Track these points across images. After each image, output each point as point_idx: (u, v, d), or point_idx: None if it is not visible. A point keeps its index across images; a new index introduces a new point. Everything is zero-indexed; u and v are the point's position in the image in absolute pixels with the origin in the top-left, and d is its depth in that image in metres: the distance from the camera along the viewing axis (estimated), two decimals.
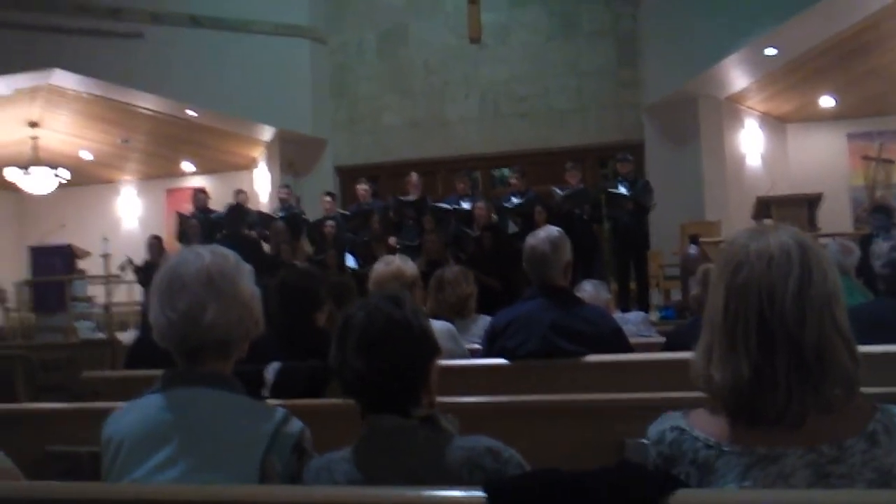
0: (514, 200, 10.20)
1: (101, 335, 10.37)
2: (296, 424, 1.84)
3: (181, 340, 1.84)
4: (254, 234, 10.88)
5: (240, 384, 1.89)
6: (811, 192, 9.94)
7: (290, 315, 3.47)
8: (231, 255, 1.93)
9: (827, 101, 12.26)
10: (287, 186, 11.90)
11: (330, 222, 10.73)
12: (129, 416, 1.86)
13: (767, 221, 9.39)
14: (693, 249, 9.18)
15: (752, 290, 1.44)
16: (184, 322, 1.82)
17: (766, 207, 9.63)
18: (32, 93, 12.42)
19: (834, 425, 1.41)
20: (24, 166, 13.43)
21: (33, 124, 13.32)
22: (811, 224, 9.39)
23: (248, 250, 9.43)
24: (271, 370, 3.32)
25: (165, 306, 1.83)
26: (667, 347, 4.16)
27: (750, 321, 1.43)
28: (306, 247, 11.20)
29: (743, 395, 1.42)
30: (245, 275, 1.92)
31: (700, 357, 1.49)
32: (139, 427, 1.82)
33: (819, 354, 1.41)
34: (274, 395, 3.16)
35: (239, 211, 11.07)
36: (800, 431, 1.41)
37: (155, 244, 10.94)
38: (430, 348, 1.85)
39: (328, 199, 11.26)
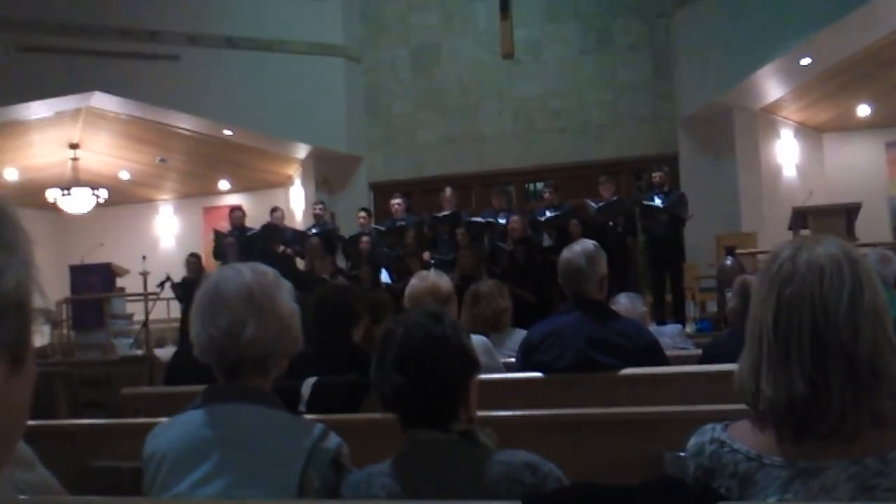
0: (549, 214, 10.19)
1: (139, 352, 10.48)
2: (333, 440, 1.86)
3: (222, 356, 1.87)
4: (288, 250, 10.94)
5: (278, 400, 1.91)
6: (849, 201, 9.81)
7: (327, 331, 3.49)
8: (270, 272, 1.95)
9: (864, 110, 12.13)
10: (321, 203, 11.98)
11: (365, 238, 10.79)
12: (170, 432, 1.89)
13: (805, 232, 9.31)
14: (729, 261, 9.11)
15: (805, 302, 1.42)
16: (224, 338, 1.85)
17: (802, 218, 9.52)
18: (73, 115, 12.64)
19: (878, 438, 1.39)
20: (65, 187, 13.65)
21: (74, 146, 13.54)
22: (850, 234, 9.27)
23: (281, 268, 9.48)
24: (307, 385, 3.34)
25: (207, 323, 1.87)
26: (704, 360, 4.13)
27: (804, 335, 1.41)
28: (339, 262, 11.26)
29: (797, 410, 1.39)
30: (284, 291, 1.94)
31: (746, 371, 1.47)
32: (181, 442, 1.85)
33: (872, 367, 1.39)
34: (310, 410, 3.17)
35: (271, 229, 11.15)
36: (843, 444, 1.39)
37: (194, 262, 11.08)
38: (470, 364, 1.85)
39: (363, 214, 11.33)
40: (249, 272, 1.92)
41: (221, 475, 1.79)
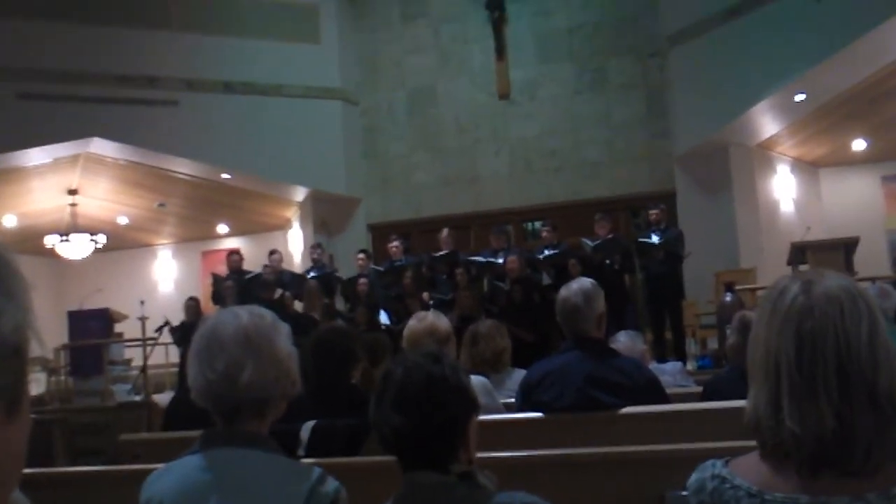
0: (547, 253, 10.21)
1: (137, 398, 10.42)
2: (331, 484, 1.84)
3: (219, 400, 1.86)
4: (286, 294, 10.90)
5: (276, 444, 1.90)
6: (847, 236, 9.82)
7: (324, 373, 3.47)
8: (268, 315, 1.95)
9: (859, 145, 12.20)
10: (319, 245, 11.99)
11: (363, 280, 10.78)
12: (167, 477, 1.87)
13: (804, 267, 9.30)
14: (729, 297, 9.10)
15: (829, 336, 1.40)
16: (222, 382, 1.84)
17: (801, 253, 9.52)
18: (72, 161, 12.69)
19: (889, 473, 1.38)
20: (64, 233, 13.67)
21: (72, 192, 13.58)
22: (848, 268, 9.25)
23: (276, 312, 9.46)
24: (306, 429, 3.32)
25: (204, 366, 1.86)
26: (704, 397, 4.11)
27: (829, 368, 1.39)
28: (338, 304, 11.24)
29: (827, 445, 1.37)
30: (282, 334, 1.94)
31: (763, 407, 1.44)
32: (178, 487, 1.83)
33: (891, 400, 1.38)
34: (309, 454, 3.15)
35: (260, 282, 11.11)
36: (861, 480, 1.37)
37: (192, 306, 11.05)
38: (470, 404, 1.84)
39: (362, 256, 11.34)
40: (247, 315, 1.91)
41: None
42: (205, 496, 1.80)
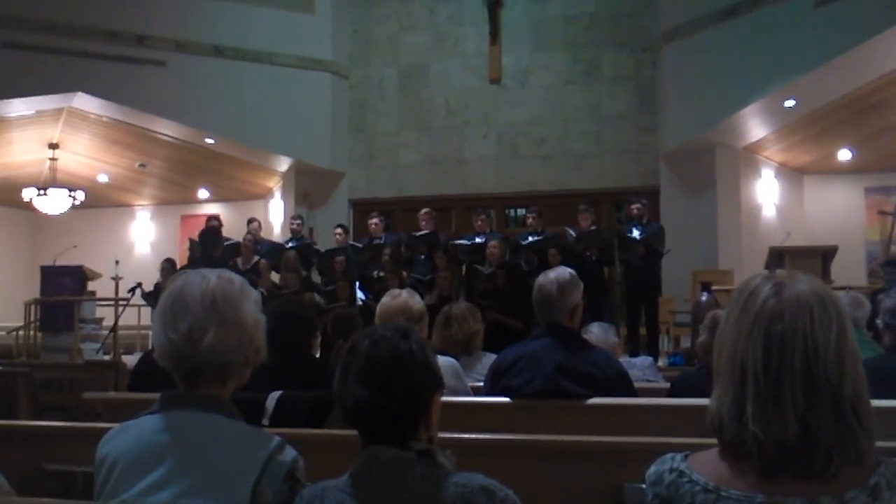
0: (531, 239, 10.18)
1: (106, 357, 10.35)
2: (289, 453, 1.82)
3: (180, 361, 1.84)
4: (263, 261, 10.82)
5: (236, 409, 1.87)
6: (826, 244, 9.88)
7: (285, 343, 3.46)
8: (237, 280, 1.93)
9: (845, 155, 12.25)
10: (300, 217, 11.92)
11: (340, 257, 10.72)
12: (123, 436, 1.85)
13: (780, 271, 9.33)
14: (705, 297, 9.13)
15: (797, 341, 1.39)
16: (184, 343, 1.82)
17: (779, 257, 9.57)
18: (54, 115, 12.55)
19: (847, 477, 1.37)
20: (42, 187, 13.53)
21: (53, 146, 13.44)
22: (825, 276, 9.31)
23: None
24: (272, 399, 3.30)
25: (168, 326, 1.84)
26: (672, 393, 4.11)
27: (796, 374, 1.38)
28: (314, 276, 11.18)
29: (789, 450, 1.37)
30: (250, 301, 1.91)
31: (727, 410, 1.43)
32: (133, 447, 1.81)
33: (853, 408, 1.38)
34: (273, 424, 3.14)
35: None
36: (802, 482, 1.37)
37: (168, 268, 10.94)
38: (434, 382, 1.82)
39: (339, 231, 11.27)
40: (215, 278, 1.89)
41: (173, 482, 1.75)
42: (160, 456, 1.77)
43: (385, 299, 4.06)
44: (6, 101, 11.59)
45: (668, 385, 4.51)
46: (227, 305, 1.85)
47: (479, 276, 9.68)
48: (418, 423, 1.78)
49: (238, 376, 1.91)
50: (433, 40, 13.70)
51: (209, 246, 10.16)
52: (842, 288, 8.85)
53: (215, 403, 1.85)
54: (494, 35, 13.06)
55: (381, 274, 10.07)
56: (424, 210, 10.92)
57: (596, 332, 4.80)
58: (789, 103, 10.62)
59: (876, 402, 1.47)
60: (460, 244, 10.46)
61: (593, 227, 10.13)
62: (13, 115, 12.22)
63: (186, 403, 1.84)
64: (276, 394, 3.31)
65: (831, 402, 1.37)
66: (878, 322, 3.94)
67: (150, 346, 8.71)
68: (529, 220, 10.58)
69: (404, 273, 10.19)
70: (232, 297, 1.87)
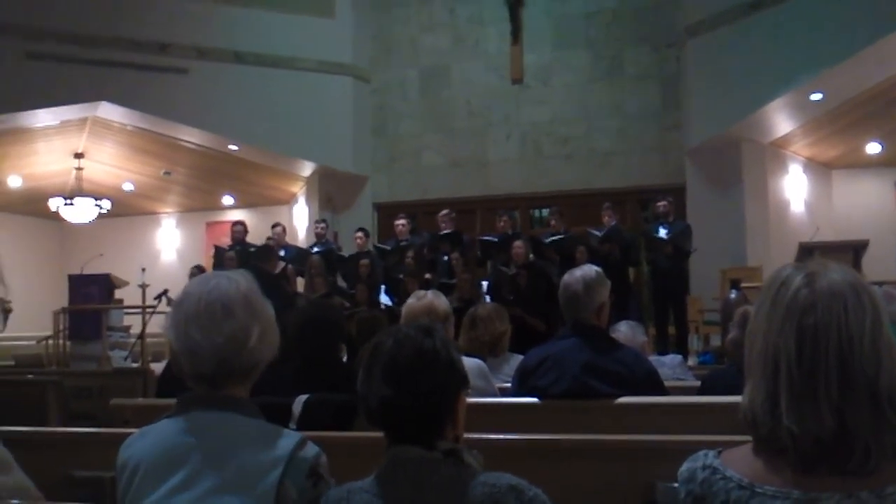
0: (552, 238, 10.12)
1: (134, 364, 10.40)
2: (311, 449, 1.81)
3: (220, 363, 1.82)
4: (289, 267, 10.83)
5: (256, 408, 1.86)
6: (856, 238, 9.75)
7: (313, 347, 3.45)
8: (252, 278, 1.92)
9: (873, 148, 12.10)
10: (324, 221, 11.94)
11: (364, 260, 10.72)
12: (145, 440, 1.84)
13: (811, 261, 9.22)
14: (734, 294, 9.01)
15: (831, 332, 1.35)
16: (229, 346, 1.82)
17: (809, 253, 9.43)
18: (79, 124, 12.65)
19: (886, 472, 1.33)
20: (68, 196, 13.65)
21: (78, 155, 13.55)
22: (857, 271, 9.19)
23: (267, 284, 9.45)
24: (298, 402, 3.29)
25: (208, 329, 1.81)
26: (702, 391, 4.05)
27: (830, 366, 1.34)
28: (339, 281, 11.18)
29: (826, 445, 1.33)
30: (264, 298, 1.93)
31: (760, 404, 1.39)
32: (155, 450, 1.80)
33: (891, 400, 1.34)
34: (301, 428, 3.13)
35: (267, 251, 11.08)
36: (839, 477, 1.33)
37: (197, 274, 10.97)
38: (459, 380, 1.80)
39: (360, 235, 11.27)
40: (243, 279, 1.91)
41: (196, 484, 1.74)
42: (182, 458, 1.76)
43: (410, 300, 4.03)
44: (31, 112, 11.70)
45: (698, 383, 4.45)
46: (260, 305, 1.88)
47: (503, 277, 9.63)
48: (444, 422, 1.76)
49: (259, 373, 1.91)
50: (454, 41, 13.69)
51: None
52: (875, 283, 8.72)
53: (235, 403, 1.84)
54: (516, 34, 13.02)
55: (403, 276, 10.05)
56: (444, 211, 10.89)
57: (624, 331, 4.75)
58: (816, 97, 10.49)
59: None
60: (487, 240, 10.44)
61: (613, 223, 10.05)
62: (39, 125, 12.33)
63: (206, 404, 1.83)
64: (303, 397, 3.30)
65: (868, 395, 1.33)
66: None
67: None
68: (552, 222, 10.53)
69: (427, 275, 10.17)
70: (260, 296, 1.90)
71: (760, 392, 1.40)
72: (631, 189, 12.79)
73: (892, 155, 12.23)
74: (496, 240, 10.33)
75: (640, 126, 12.84)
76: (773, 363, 1.38)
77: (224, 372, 1.83)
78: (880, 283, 8.25)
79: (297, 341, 3.58)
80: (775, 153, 12.23)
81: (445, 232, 10.61)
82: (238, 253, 10.95)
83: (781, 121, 11.34)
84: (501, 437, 2.78)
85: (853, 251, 9.26)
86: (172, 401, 3.16)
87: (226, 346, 1.81)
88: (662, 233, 9.82)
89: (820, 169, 12.90)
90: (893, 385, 1.34)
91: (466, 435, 1.85)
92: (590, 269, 3.75)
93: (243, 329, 1.82)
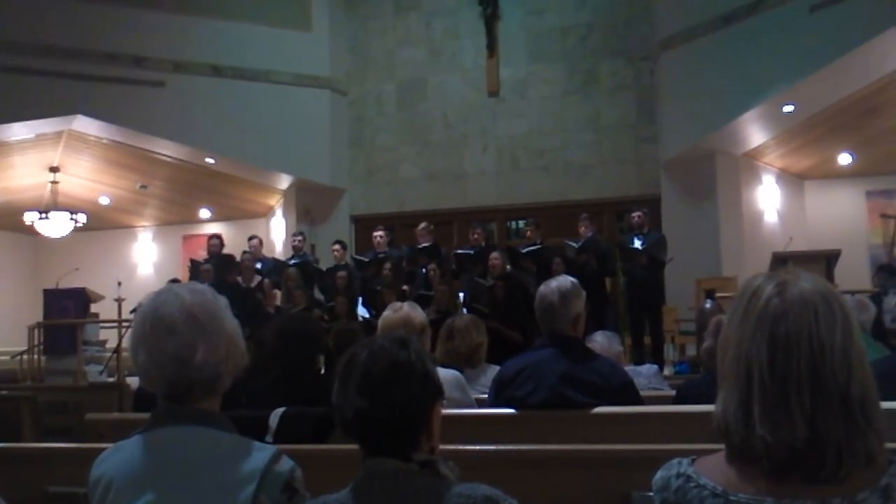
0: (529, 249, 10.15)
1: (110, 379, 10.32)
2: (286, 463, 1.80)
3: (172, 383, 1.81)
4: (265, 280, 10.81)
5: (229, 422, 1.85)
6: (829, 248, 9.86)
7: (290, 360, 3.45)
8: (207, 290, 1.90)
9: (845, 159, 12.24)
10: (301, 234, 11.91)
11: (342, 273, 10.70)
12: (117, 456, 1.83)
13: (782, 270, 9.30)
14: (709, 304, 9.08)
15: (802, 341, 1.36)
16: (173, 364, 1.79)
17: (782, 263, 9.52)
18: (54, 138, 12.56)
19: (858, 478, 1.35)
20: (44, 210, 13.54)
21: (54, 169, 13.45)
22: (829, 281, 9.25)
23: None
24: (275, 416, 3.28)
25: (152, 350, 1.80)
26: (677, 400, 4.08)
27: (802, 375, 1.35)
28: (316, 293, 11.16)
29: (798, 454, 1.34)
30: (225, 308, 1.89)
31: (733, 413, 1.40)
32: (128, 466, 1.78)
33: (862, 407, 1.35)
34: (277, 441, 3.13)
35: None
36: (812, 484, 1.34)
37: None
38: (433, 391, 1.80)
39: (337, 247, 11.24)
40: (188, 293, 1.86)
41: (170, 499, 1.73)
42: (156, 474, 1.75)
43: (387, 313, 4.03)
44: (6, 125, 11.60)
45: (673, 392, 4.48)
46: (208, 317, 1.83)
47: (479, 289, 9.64)
48: (419, 433, 1.76)
49: (225, 385, 1.89)
50: (430, 55, 13.73)
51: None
52: (847, 292, 8.82)
53: (208, 417, 1.82)
54: (492, 48, 13.16)
55: (381, 288, 10.04)
56: (422, 225, 10.90)
57: (600, 341, 4.77)
58: (788, 108, 10.61)
59: (887, 404, 1.45)
60: (463, 253, 10.46)
61: (590, 234, 10.10)
62: (13, 139, 12.23)
63: (179, 419, 1.81)
64: (280, 410, 3.29)
65: (839, 402, 1.35)
66: (886, 319, 3.89)
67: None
68: (528, 233, 10.57)
69: (405, 287, 10.17)
70: (210, 308, 1.85)
71: (733, 401, 1.41)
72: (607, 200, 12.86)
73: (864, 165, 12.38)
74: (472, 252, 10.35)
75: (616, 138, 12.92)
76: (745, 372, 1.40)
77: (180, 390, 1.81)
78: (852, 293, 8.37)
79: (275, 354, 3.58)
80: (749, 164, 12.34)
81: (424, 245, 10.61)
82: (214, 266, 10.92)
83: (754, 132, 11.45)
84: (478, 447, 2.79)
85: (826, 261, 9.37)
86: (148, 415, 3.16)
87: (170, 365, 1.79)
88: (637, 244, 9.88)
89: (793, 180, 13.03)
90: (864, 393, 1.36)
91: (443, 446, 1.85)
92: (565, 280, 3.76)
93: (187, 346, 1.79)
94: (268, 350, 3.65)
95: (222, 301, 1.90)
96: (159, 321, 1.81)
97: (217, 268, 10.78)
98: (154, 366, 1.81)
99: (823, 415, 1.34)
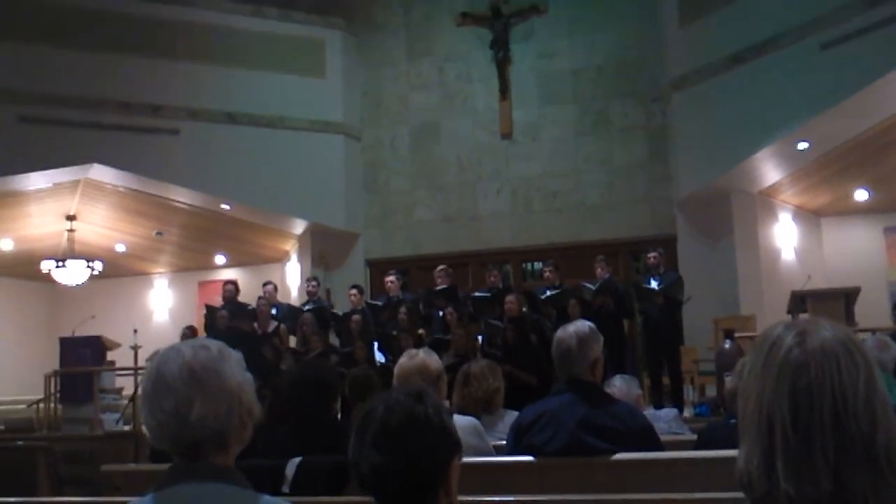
0: (549, 293, 10.12)
1: (126, 427, 10.29)
2: None
3: (174, 440, 1.79)
4: (282, 326, 10.79)
5: (243, 477, 1.82)
6: (848, 286, 9.77)
7: (306, 407, 3.42)
8: (213, 346, 1.88)
9: (861, 195, 12.18)
10: (315, 279, 11.91)
11: (356, 317, 10.69)
12: None
13: (803, 315, 9.23)
14: (728, 344, 9.01)
15: (825, 394, 1.32)
16: (173, 421, 1.77)
17: (801, 301, 9.48)
18: (71, 187, 12.67)
19: None
20: (61, 259, 13.61)
21: (70, 217, 13.55)
22: (849, 318, 9.20)
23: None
24: (291, 465, 3.25)
25: (154, 408, 1.79)
26: (699, 445, 4.02)
27: (826, 427, 1.31)
28: (332, 339, 11.14)
29: None
30: (231, 363, 1.86)
31: (756, 466, 1.36)
32: None
33: (888, 458, 1.31)
34: (294, 492, 3.10)
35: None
36: None
37: (189, 335, 10.93)
38: (451, 445, 1.80)
39: (354, 292, 11.23)
40: (190, 349, 1.85)
41: None
42: None
43: (402, 360, 4.00)
44: (24, 175, 11.70)
45: (694, 437, 4.42)
46: (208, 374, 1.81)
47: (494, 332, 9.61)
48: (437, 488, 1.74)
49: (238, 439, 1.86)
50: (443, 99, 13.82)
51: (237, 317, 10.21)
52: (868, 330, 8.74)
53: (222, 473, 1.79)
54: (504, 91, 13.24)
55: (397, 332, 10.01)
56: (440, 267, 10.90)
57: (619, 385, 4.73)
58: (802, 146, 10.58)
59: None
60: (480, 296, 10.43)
61: (607, 276, 10.07)
62: (31, 188, 12.33)
63: (192, 476, 1.78)
64: (296, 460, 3.27)
65: (864, 454, 1.31)
66: None
67: None
68: (546, 274, 10.53)
69: (421, 331, 10.14)
70: (211, 364, 1.83)
71: (756, 454, 1.37)
72: (622, 241, 12.82)
73: (880, 201, 12.32)
74: (488, 295, 10.33)
75: (629, 178, 12.92)
76: (767, 425, 1.36)
77: (184, 447, 1.80)
78: (873, 330, 8.29)
79: (290, 402, 3.55)
80: (765, 202, 12.30)
81: (441, 287, 10.59)
82: (229, 312, 10.93)
83: (769, 170, 11.42)
84: (499, 498, 2.74)
85: (845, 299, 9.29)
86: (162, 467, 3.14)
87: (169, 422, 1.77)
88: (654, 284, 9.83)
89: (809, 217, 12.98)
90: (890, 443, 1.32)
91: (461, 497, 1.83)
92: (583, 325, 3.73)
93: (185, 402, 1.77)
94: (283, 398, 3.63)
95: (231, 356, 1.88)
96: (160, 378, 1.81)
97: (232, 315, 10.80)
98: (156, 423, 1.79)
99: (849, 469, 1.30)
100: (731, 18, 10.94)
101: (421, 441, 1.73)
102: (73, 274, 13.76)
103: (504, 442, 3.96)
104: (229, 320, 10.57)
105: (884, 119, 10.02)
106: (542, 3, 13.22)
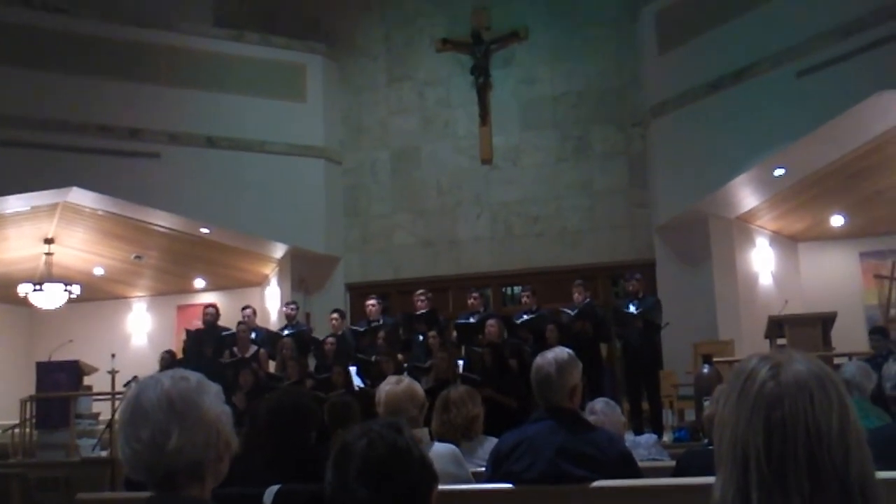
0: (525, 317, 10.14)
1: (103, 453, 10.18)
2: None
3: (150, 470, 1.79)
4: (261, 350, 10.74)
5: None
6: (825, 310, 9.86)
7: (284, 434, 3.41)
8: (192, 377, 1.88)
9: (837, 220, 12.31)
10: (294, 303, 11.87)
11: (330, 339, 10.65)
12: None
13: (781, 341, 9.30)
14: (706, 369, 9.05)
15: (798, 426, 1.34)
16: (149, 451, 1.78)
17: (779, 327, 9.55)
18: (49, 210, 12.59)
19: None
20: (38, 282, 13.50)
21: (48, 241, 13.45)
22: (826, 343, 9.28)
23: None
24: (269, 493, 3.23)
25: (130, 437, 1.79)
26: (677, 472, 4.03)
27: (800, 461, 1.33)
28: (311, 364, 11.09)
29: None
30: (209, 395, 1.87)
31: (731, 498, 1.38)
32: None
33: (862, 490, 1.33)
34: None
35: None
36: None
37: (167, 359, 10.86)
38: (431, 476, 1.81)
39: (335, 316, 11.20)
40: (169, 380, 1.85)
41: None
42: None
43: (387, 386, 3.96)
44: (1, 198, 11.63)
45: (673, 463, 4.43)
46: (186, 404, 1.81)
47: (474, 357, 9.61)
48: None
49: (214, 472, 1.86)
50: (423, 123, 13.86)
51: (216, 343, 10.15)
52: (844, 355, 8.81)
53: None
54: (484, 116, 13.30)
55: (376, 357, 9.97)
56: (419, 291, 10.89)
57: (602, 409, 4.72)
58: (779, 172, 10.70)
59: (886, 474, 1.43)
60: (463, 323, 10.42)
61: (587, 300, 10.11)
62: (9, 211, 12.25)
63: None
64: (274, 488, 3.25)
65: (838, 487, 1.33)
66: (886, 386, 3.87)
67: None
68: (524, 300, 10.56)
69: (399, 356, 10.11)
70: (189, 395, 1.83)
71: (731, 485, 1.38)
72: (601, 266, 12.86)
73: (856, 227, 12.45)
74: (473, 321, 10.33)
75: (609, 204, 12.99)
76: (742, 457, 1.38)
77: (158, 477, 1.80)
78: (850, 355, 8.35)
79: (268, 429, 3.54)
80: (742, 227, 12.40)
81: (421, 312, 10.58)
82: (205, 338, 10.86)
83: (747, 196, 11.53)
84: None
85: (822, 324, 9.37)
86: (139, 494, 3.12)
87: (145, 452, 1.78)
88: (632, 308, 9.87)
89: (786, 242, 13.09)
90: (863, 474, 1.34)
91: None
92: (562, 352, 3.74)
93: (162, 432, 1.77)
94: (261, 426, 3.61)
95: (210, 388, 1.88)
96: (138, 407, 1.81)
97: (209, 341, 10.74)
98: (132, 452, 1.79)
99: (823, 500, 1.32)
100: (709, 46, 11.08)
101: (405, 474, 1.74)
102: (51, 297, 13.64)
103: (483, 469, 3.96)
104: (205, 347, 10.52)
105: (859, 146, 10.17)
106: (523, 29, 13.32)
